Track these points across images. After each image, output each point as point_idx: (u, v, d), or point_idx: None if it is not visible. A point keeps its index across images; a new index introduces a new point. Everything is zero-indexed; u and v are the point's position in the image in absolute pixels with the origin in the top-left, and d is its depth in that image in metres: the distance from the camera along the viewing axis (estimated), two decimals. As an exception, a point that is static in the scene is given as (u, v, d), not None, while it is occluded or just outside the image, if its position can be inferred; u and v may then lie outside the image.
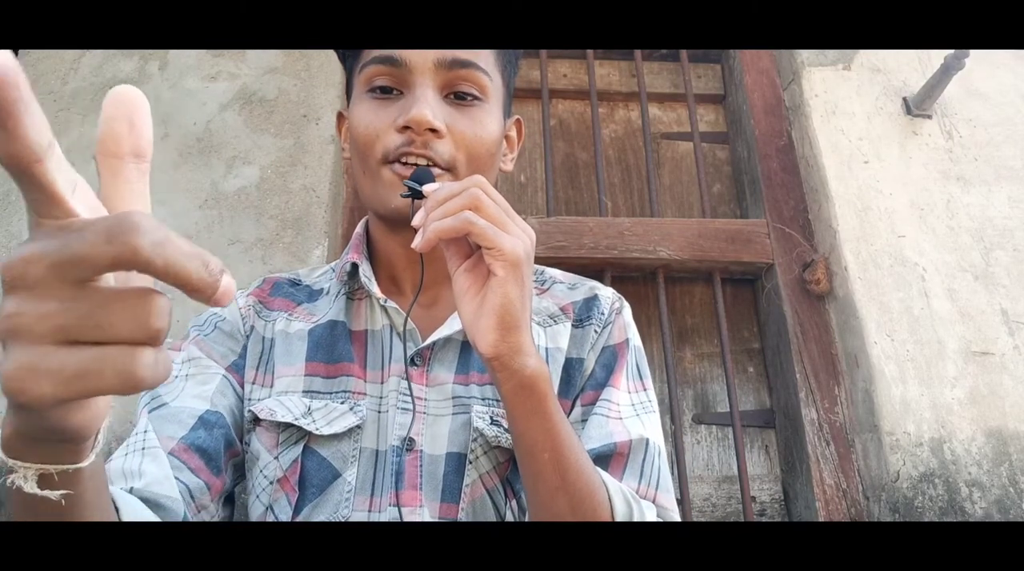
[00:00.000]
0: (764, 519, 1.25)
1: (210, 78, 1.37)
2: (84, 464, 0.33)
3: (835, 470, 1.17)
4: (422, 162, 0.62)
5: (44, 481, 0.32)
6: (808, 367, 1.24)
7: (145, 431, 0.60)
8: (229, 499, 0.66)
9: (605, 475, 0.58)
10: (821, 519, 1.13)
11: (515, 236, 0.49)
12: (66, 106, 1.33)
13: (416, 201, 0.57)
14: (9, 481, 0.31)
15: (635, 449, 0.64)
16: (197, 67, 1.38)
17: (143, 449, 0.59)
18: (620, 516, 0.56)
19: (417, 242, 0.50)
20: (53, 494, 0.32)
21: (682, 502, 1.16)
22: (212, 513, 0.61)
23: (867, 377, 1.18)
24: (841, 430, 1.21)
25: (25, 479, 0.31)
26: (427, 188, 0.55)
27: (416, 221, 0.51)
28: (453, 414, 0.65)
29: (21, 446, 0.31)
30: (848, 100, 1.41)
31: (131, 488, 0.54)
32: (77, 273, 0.26)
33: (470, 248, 0.52)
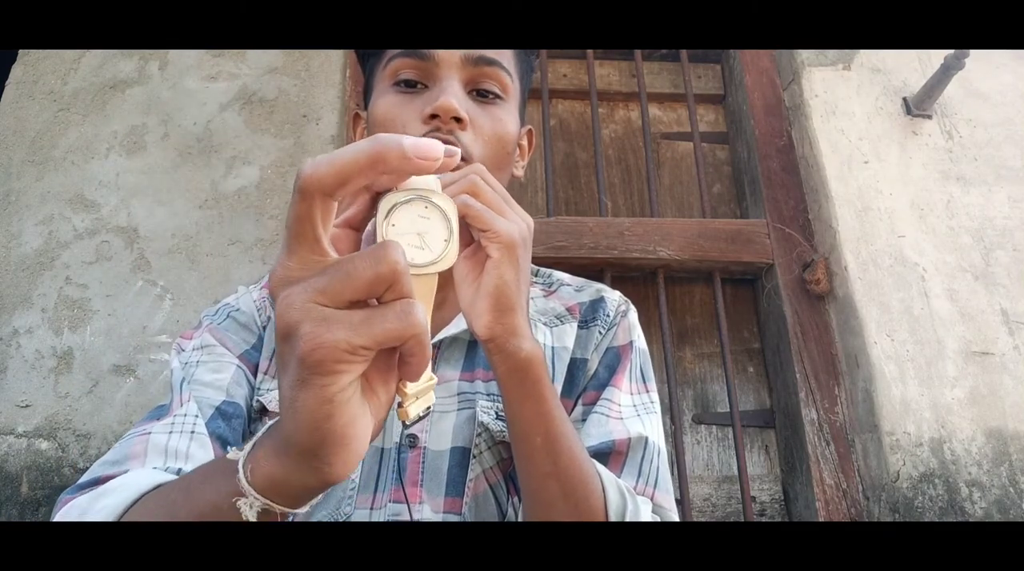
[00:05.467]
0: (764, 519, 1.25)
1: (210, 78, 1.37)
2: (300, 511, 0.36)
3: (835, 470, 1.17)
4: None
5: (262, 515, 0.35)
6: (808, 367, 1.24)
7: (196, 416, 0.60)
8: None
9: (600, 466, 0.58)
10: (821, 519, 1.13)
11: (511, 220, 0.50)
12: (66, 106, 1.33)
13: None
14: (235, 501, 0.35)
15: (634, 447, 0.64)
16: (197, 67, 1.38)
17: (192, 433, 0.59)
18: (613, 507, 0.55)
19: None
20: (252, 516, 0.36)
21: (682, 502, 1.16)
22: None
23: (867, 377, 1.18)
24: (841, 430, 1.21)
25: (250, 507, 0.35)
26: None
27: None
28: (458, 410, 0.66)
29: (267, 485, 0.34)
30: (848, 100, 1.41)
31: (179, 470, 0.55)
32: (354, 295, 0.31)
33: (470, 237, 0.53)
